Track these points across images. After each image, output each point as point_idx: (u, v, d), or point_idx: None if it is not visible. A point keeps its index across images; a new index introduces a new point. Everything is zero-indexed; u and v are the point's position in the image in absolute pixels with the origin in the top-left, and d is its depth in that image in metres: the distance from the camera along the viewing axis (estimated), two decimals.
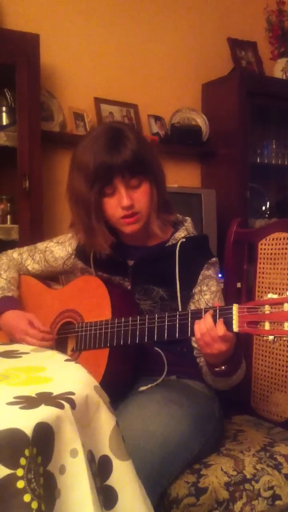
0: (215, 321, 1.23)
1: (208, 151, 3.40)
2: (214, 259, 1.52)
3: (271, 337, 1.16)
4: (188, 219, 1.59)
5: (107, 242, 1.47)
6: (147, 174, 1.43)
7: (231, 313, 1.21)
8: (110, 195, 1.42)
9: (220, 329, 1.21)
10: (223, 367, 1.31)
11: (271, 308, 1.16)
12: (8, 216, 2.69)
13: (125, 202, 1.40)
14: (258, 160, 3.49)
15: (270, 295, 1.17)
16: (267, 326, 1.16)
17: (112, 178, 1.40)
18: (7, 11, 2.85)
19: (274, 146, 3.54)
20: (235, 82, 3.27)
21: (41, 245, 1.67)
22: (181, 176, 3.36)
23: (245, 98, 3.23)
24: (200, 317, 1.26)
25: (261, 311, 1.17)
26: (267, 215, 3.62)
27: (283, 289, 1.69)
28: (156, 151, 1.53)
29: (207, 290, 1.47)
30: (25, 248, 1.70)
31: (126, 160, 1.38)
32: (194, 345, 1.46)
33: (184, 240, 1.51)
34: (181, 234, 1.53)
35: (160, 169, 1.50)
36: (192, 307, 1.47)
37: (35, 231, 2.56)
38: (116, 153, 1.38)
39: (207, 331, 1.22)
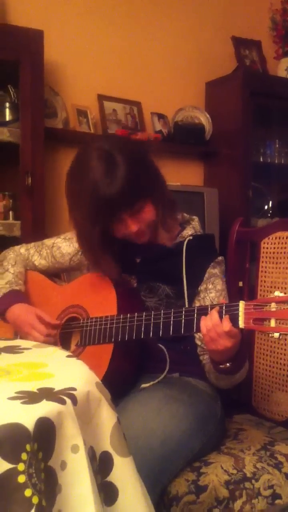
0: (221, 318, 1.22)
1: (211, 150, 3.40)
2: (220, 258, 1.53)
3: (276, 334, 1.16)
4: (195, 218, 1.59)
5: (112, 273, 1.47)
6: (147, 194, 1.40)
7: (238, 309, 1.21)
8: (115, 223, 1.40)
9: (226, 325, 1.21)
10: (227, 364, 1.31)
11: (277, 305, 1.16)
12: (10, 213, 2.69)
13: (133, 229, 1.40)
14: (261, 160, 3.48)
15: (276, 293, 1.17)
16: (273, 323, 1.16)
17: (114, 213, 1.37)
18: (11, 7, 2.85)
19: (277, 146, 3.54)
20: (239, 81, 3.26)
21: (48, 241, 1.67)
22: (184, 175, 3.35)
23: (249, 97, 3.22)
24: (206, 313, 1.26)
25: (267, 308, 1.17)
26: (269, 215, 3.62)
27: (286, 288, 1.69)
28: (152, 158, 1.46)
29: (213, 288, 1.47)
30: (32, 244, 1.70)
31: (123, 193, 1.33)
32: (198, 342, 1.45)
33: (191, 238, 1.51)
34: (188, 232, 1.53)
35: (159, 178, 1.46)
36: (197, 304, 1.46)
37: (37, 227, 2.56)
38: (113, 188, 1.33)
39: (213, 327, 1.22)
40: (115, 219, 1.39)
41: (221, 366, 1.32)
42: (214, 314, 1.23)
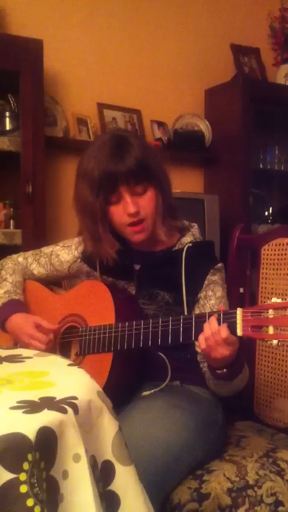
0: (219, 325, 1.23)
1: (211, 157, 3.41)
2: (219, 264, 1.53)
3: (275, 342, 1.16)
4: (195, 225, 1.59)
5: (113, 248, 1.48)
6: (152, 181, 1.44)
7: (235, 317, 1.21)
8: (115, 203, 1.43)
9: (224, 332, 1.21)
10: (224, 370, 1.31)
11: (275, 312, 1.16)
12: (11, 221, 2.70)
13: (131, 209, 1.41)
14: (261, 166, 3.49)
15: (274, 299, 1.17)
16: (271, 330, 1.16)
17: (117, 186, 1.41)
18: (11, 17, 2.87)
19: (277, 152, 3.55)
20: (238, 88, 3.27)
21: (46, 249, 1.68)
22: (184, 182, 3.36)
23: (248, 104, 3.23)
24: (203, 321, 1.26)
25: (265, 315, 1.17)
26: (269, 221, 3.62)
27: (286, 294, 1.69)
28: (161, 157, 1.53)
29: (213, 295, 1.47)
30: (30, 252, 1.71)
31: (130, 168, 1.39)
32: (198, 350, 1.45)
33: (190, 245, 1.51)
34: (187, 239, 1.53)
35: (165, 175, 1.51)
36: (197, 311, 1.47)
37: (38, 236, 2.56)
38: (120, 161, 1.39)
39: (211, 335, 1.22)
40: (116, 194, 1.41)
41: (218, 371, 1.32)
42: (212, 322, 1.23)
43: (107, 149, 1.41)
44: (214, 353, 1.24)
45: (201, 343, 1.25)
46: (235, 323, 1.21)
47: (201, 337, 1.25)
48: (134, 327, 1.36)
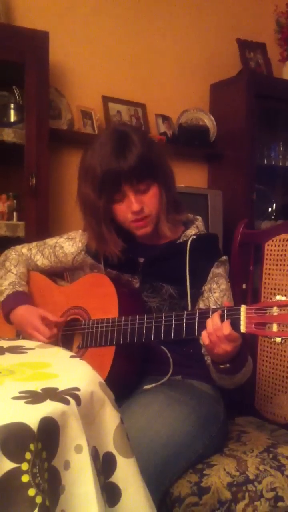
0: (222, 321, 1.22)
1: (215, 152, 3.40)
2: (224, 257, 1.52)
3: (278, 339, 1.15)
4: (199, 218, 1.59)
5: (117, 248, 1.48)
6: (155, 177, 1.43)
7: (239, 313, 1.21)
8: (119, 201, 1.43)
9: (226, 328, 1.21)
10: (227, 365, 1.31)
11: (279, 309, 1.16)
12: (14, 213, 2.69)
13: (135, 207, 1.41)
14: (265, 162, 3.48)
15: (278, 297, 1.17)
16: (274, 327, 1.16)
17: (119, 184, 1.40)
18: (16, 8, 2.86)
19: (281, 148, 3.54)
20: (244, 83, 3.26)
21: (50, 241, 1.68)
22: (188, 177, 3.35)
23: (253, 100, 3.22)
24: (207, 317, 1.26)
25: (269, 312, 1.17)
26: (273, 217, 3.62)
27: None
28: (165, 152, 1.52)
29: (217, 288, 1.47)
30: (34, 243, 1.70)
31: (132, 166, 1.37)
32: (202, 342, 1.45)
33: (194, 237, 1.51)
34: (192, 231, 1.53)
35: (168, 170, 1.50)
36: (201, 304, 1.46)
37: (41, 228, 2.56)
38: (122, 160, 1.37)
39: (213, 331, 1.22)
40: (120, 193, 1.41)
41: (220, 366, 1.32)
42: (215, 318, 1.23)
43: (108, 146, 1.39)
44: (217, 349, 1.24)
45: (204, 339, 1.25)
46: (239, 319, 1.21)
47: (204, 334, 1.25)
48: (137, 321, 1.36)
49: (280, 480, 1.35)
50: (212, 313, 1.25)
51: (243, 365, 1.35)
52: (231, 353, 1.26)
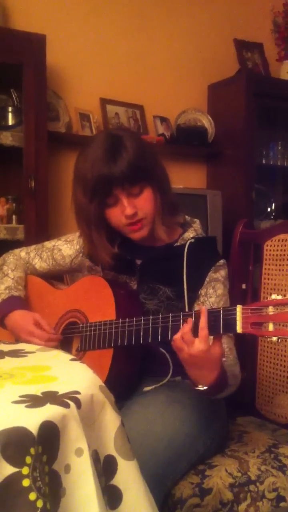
0: (218, 322, 1.21)
1: (213, 152, 3.40)
2: (222, 261, 1.51)
3: (274, 338, 1.15)
4: (197, 220, 1.58)
5: (107, 253, 1.47)
6: (148, 180, 1.41)
7: (235, 314, 1.21)
8: (112, 205, 1.42)
9: (198, 346, 1.18)
10: (205, 387, 1.25)
11: (275, 309, 1.16)
12: (14, 216, 2.70)
13: (128, 211, 1.40)
14: (264, 162, 3.49)
15: (274, 296, 1.16)
16: (271, 327, 1.15)
17: (111, 189, 1.38)
18: (13, 11, 2.86)
19: (280, 148, 3.54)
20: (241, 83, 3.27)
21: (48, 244, 1.68)
22: (187, 177, 3.36)
23: (251, 99, 3.23)
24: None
25: (265, 312, 1.16)
26: (272, 216, 3.62)
27: None
28: (158, 154, 1.49)
29: (213, 293, 1.46)
30: (33, 247, 1.70)
31: (123, 171, 1.35)
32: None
33: (192, 240, 1.50)
34: (189, 234, 1.52)
35: (163, 173, 1.48)
36: (196, 308, 1.46)
37: (40, 231, 2.56)
38: (112, 165, 1.35)
39: (181, 336, 1.20)
40: (112, 196, 1.39)
41: (196, 388, 1.26)
42: (186, 327, 1.20)
43: (100, 151, 1.38)
44: (182, 354, 1.20)
45: (173, 344, 1.22)
46: (234, 320, 1.20)
47: (174, 337, 1.22)
48: (134, 323, 1.36)
49: (282, 480, 1.35)
50: (208, 313, 1.23)
51: (222, 390, 1.30)
52: (209, 371, 1.21)
